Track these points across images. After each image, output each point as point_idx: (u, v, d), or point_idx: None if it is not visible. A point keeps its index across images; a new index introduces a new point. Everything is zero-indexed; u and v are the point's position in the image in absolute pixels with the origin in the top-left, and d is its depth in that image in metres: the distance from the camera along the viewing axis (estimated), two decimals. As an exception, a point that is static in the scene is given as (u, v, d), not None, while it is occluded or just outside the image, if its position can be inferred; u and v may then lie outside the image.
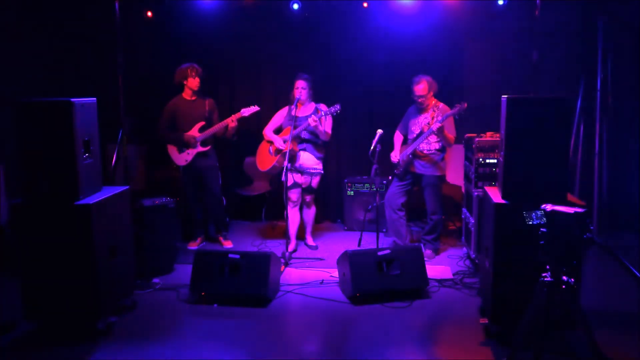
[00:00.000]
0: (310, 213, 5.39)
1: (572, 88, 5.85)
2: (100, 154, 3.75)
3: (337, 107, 4.84)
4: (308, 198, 5.27)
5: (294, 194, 5.20)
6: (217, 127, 5.19)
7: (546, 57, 5.51)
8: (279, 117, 5.25)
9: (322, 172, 5.22)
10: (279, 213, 6.20)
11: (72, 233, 3.39)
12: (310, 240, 5.47)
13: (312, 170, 5.12)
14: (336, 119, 5.18)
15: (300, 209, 5.35)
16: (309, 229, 5.47)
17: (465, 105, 4.57)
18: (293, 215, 5.28)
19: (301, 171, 5.12)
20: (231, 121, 5.14)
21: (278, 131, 5.22)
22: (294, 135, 4.91)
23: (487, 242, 3.58)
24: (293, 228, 5.33)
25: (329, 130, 5.05)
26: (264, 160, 5.22)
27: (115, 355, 3.36)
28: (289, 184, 5.13)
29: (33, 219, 3.43)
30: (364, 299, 4.09)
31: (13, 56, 5.32)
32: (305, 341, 3.64)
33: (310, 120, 4.85)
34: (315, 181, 5.18)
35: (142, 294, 4.25)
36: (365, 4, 5.88)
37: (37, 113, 3.37)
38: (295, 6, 5.87)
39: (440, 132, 4.68)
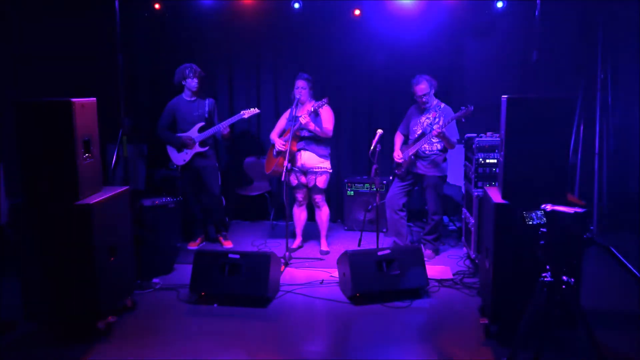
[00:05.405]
0: (323, 215, 5.24)
1: (572, 88, 5.85)
2: (100, 154, 3.75)
3: (325, 100, 4.83)
4: (317, 199, 5.15)
5: (299, 194, 5.20)
6: (216, 129, 5.19)
7: (546, 57, 5.51)
8: (283, 120, 5.22)
9: (330, 170, 5.12)
10: (280, 213, 6.20)
11: (72, 233, 3.39)
12: (324, 246, 5.31)
13: (315, 169, 5.05)
14: (336, 118, 5.17)
15: (313, 212, 5.31)
16: (323, 233, 5.31)
17: (472, 108, 4.47)
18: (299, 213, 5.29)
19: (304, 171, 5.11)
20: (224, 128, 5.15)
21: (283, 134, 5.21)
22: (290, 135, 4.87)
23: (487, 242, 3.58)
24: (299, 225, 5.34)
25: (329, 126, 5.00)
26: (268, 162, 5.22)
27: (115, 355, 3.37)
28: (294, 184, 5.14)
29: (33, 219, 3.42)
30: (364, 299, 4.09)
31: (13, 56, 5.32)
32: (306, 341, 3.63)
33: (300, 119, 4.83)
34: (321, 180, 5.08)
35: (142, 294, 4.25)
36: (357, 12, 5.89)
37: (37, 113, 3.37)
38: (297, 5, 5.86)
39: (442, 135, 4.66)
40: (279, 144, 5.03)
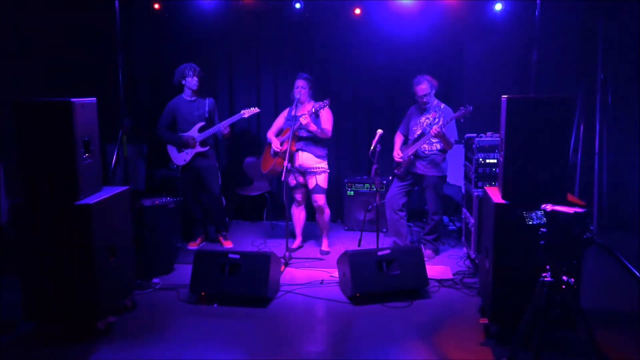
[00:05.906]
0: (324, 217, 5.20)
1: (572, 88, 5.85)
2: (100, 154, 3.76)
3: (326, 101, 4.82)
4: (319, 200, 5.09)
5: (298, 195, 5.20)
6: (216, 128, 5.19)
7: (546, 57, 5.51)
8: (281, 119, 5.22)
9: (328, 170, 5.12)
10: (280, 213, 6.20)
11: (72, 233, 3.39)
12: (325, 246, 5.31)
13: (313, 169, 5.04)
14: (336, 118, 5.17)
15: (313, 212, 5.29)
16: (324, 233, 5.31)
17: (471, 109, 4.49)
18: (298, 213, 5.30)
19: (302, 172, 5.10)
20: (224, 127, 5.16)
21: (281, 133, 5.20)
22: (290, 135, 4.87)
23: (487, 242, 3.58)
24: (298, 225, 5.34)
25: (328, 127, 4.99)
26: (265, 162, 5.21)
27: (115, 355, 3.37)
28: (293, 184, 5.13)
29: (33, 219, 3.42)
30: (364, 299, 4.09)
31: (13, 56, 5.33)
32: (305, 341, 3.63)
33: (301, 119, 4.83)
34: (321, 180, 5.06)
35: (142, 294, 4.25)
36: (357, 11, 5.89)
37: (37, 113, 3.37)
38: (298, 5, 5.85)
39: (441, 135, 4.65)
40: (275, 145, 5.03)
